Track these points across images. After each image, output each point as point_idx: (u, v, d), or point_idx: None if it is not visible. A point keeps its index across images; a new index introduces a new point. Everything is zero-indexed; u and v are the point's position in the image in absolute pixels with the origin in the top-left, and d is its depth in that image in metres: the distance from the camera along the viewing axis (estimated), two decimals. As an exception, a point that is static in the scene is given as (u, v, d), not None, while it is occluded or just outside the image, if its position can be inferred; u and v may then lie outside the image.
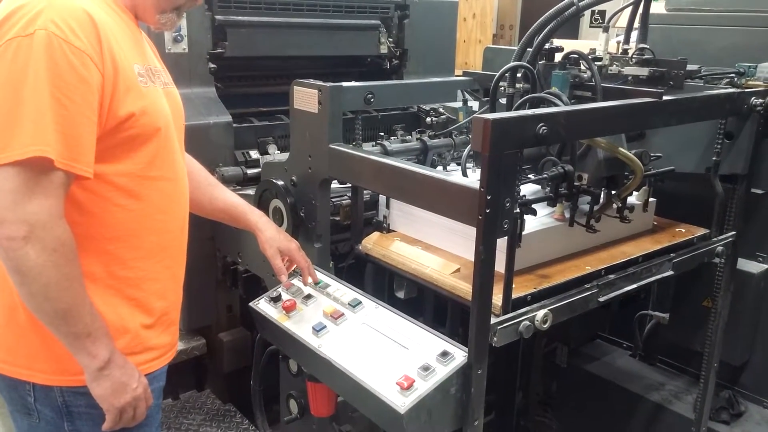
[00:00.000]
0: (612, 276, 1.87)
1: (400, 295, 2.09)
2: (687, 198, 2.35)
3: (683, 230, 2.23)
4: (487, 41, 8.09)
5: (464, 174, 1.93)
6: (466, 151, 1.95)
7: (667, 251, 2.08)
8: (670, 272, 2.03)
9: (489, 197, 1.42)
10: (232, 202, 1.90)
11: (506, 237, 1.53)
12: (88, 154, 1.34)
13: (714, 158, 2.17)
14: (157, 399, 1.61)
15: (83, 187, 1.39)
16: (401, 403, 1.49)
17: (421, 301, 2.24)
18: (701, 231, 2.23)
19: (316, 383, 1.96)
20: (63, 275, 1.32)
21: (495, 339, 1.58)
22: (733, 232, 2.26)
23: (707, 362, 2.48)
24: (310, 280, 1.92)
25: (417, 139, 2.33)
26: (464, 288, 1.75)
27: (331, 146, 1.93)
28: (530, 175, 1.94)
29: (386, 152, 2.20)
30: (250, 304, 1.99)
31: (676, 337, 3.01)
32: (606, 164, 1.87)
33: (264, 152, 2.72)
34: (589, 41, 5.23)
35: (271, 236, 1.89)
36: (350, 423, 2.11)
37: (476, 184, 1.47)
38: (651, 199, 2.15)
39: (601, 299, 1.82)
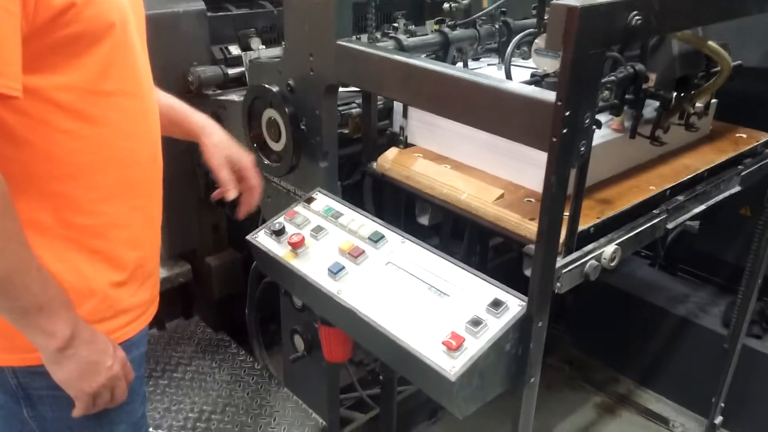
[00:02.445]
0: (681, 198, 1.58)
1: (424, 221, 1.78)
2: (745, 97, 2.02)
3: (744, 135, 1.93)
4: None
5: (508, 76, 1.57)
6: (512, 44, 1.57)
7: (733, 162, 1.79)
8: (737, 188, 1.75)
9: (567, 113, 1.09)
10: (170, 103, 1.48)
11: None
12: (11, 64, 0.94)
13: (789, 49, 1.83)
14: (139, 369, 1.30)
15: (13, 108, 1.00)
16: (450, 367, 1.21)
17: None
18: (764, 136, 1.93)
19: (331, 327, 1.68)
20: None
21: (558, 284, 1.30)
22: (799, 136, 1.97)
23: (750, 276, 2.25)
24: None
25: (435, 30, 1.93)
26: (511, 219, 1.44)
27: (339, 42, 1.54)
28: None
29: (401, 48, 1.81)
30: (248, 237, 1.67)
31: (705, 247, 2.80)
32: (681, 62, 1.52)
33: (246, 47, 2.29)
34: None
35: (219, 141, 1.49)
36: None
37: (547, 95, 1.13)
38: (713, 101, 1.83)
39: (670, 225, 1.54)
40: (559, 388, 2.84)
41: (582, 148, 1.16)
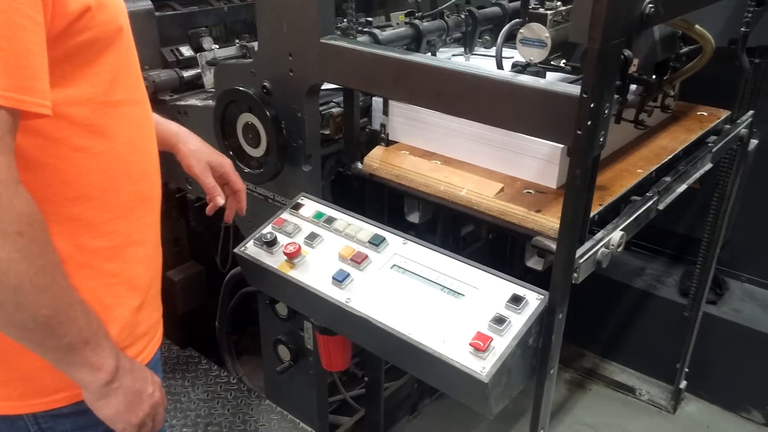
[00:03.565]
0: (668, 179, 1.62)
1: (414, 218, 1.75)
2: (700, 76, 2.10)
3: (705, 113, 2.00)
4: None
5: (499, 66, 1.55)
6: (502, 35, 1.55)
7: (702, 140, 1.85)
8: (710, 165, 1.81)
9: (592, 104, 1.08)
10: None
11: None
12: (41, 80, 0.85)
13: (742, 29, 1.90)
14: (160, 394, 1.23)
15: (27, 129, 0.90)
16: (481, 368, 1.19)
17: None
18: (723, 113, 2.01)
19: (330, 336, 1.63)
20: (38, 269, 0.88)
21: (576, 275, 1.30)
22: (752, 112, 2.07)
23: (708, 247, 2.36)
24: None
25: (405, 23, 1.89)
26: (517, 213, 1.43)
27: (324, 41, 1.48)
28: (562, 62, 1.61)
29: (377, 42, 1.76)
30: (235, 250, 1.58)
31: (656, 220, 2.89)
32: (662, 46, 1.55)
33: (198, 48, 2.17)
34: None
35: (197, 148, 1.44)
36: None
37: (571, 88, 1.12)
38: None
39: (660, 207, 1.58)
40: (527, 369, 2.89)
41: (602, 139, 1.16)
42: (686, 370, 2.58)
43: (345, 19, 1.74)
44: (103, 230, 1.05)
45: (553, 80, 1.42)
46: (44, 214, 0.95)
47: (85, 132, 0.98)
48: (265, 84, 1.64)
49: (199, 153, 1.45)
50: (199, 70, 2.11)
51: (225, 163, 1.50)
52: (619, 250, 1.39)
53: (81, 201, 1.01)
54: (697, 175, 1.74)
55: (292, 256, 1.49)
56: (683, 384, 2.62)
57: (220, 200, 1.47)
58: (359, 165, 1.70)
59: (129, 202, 1.09)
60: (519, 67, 1.59)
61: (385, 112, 1.73)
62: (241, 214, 1.56)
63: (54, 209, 0.98)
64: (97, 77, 0.98)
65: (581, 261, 1.29)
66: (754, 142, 2.21)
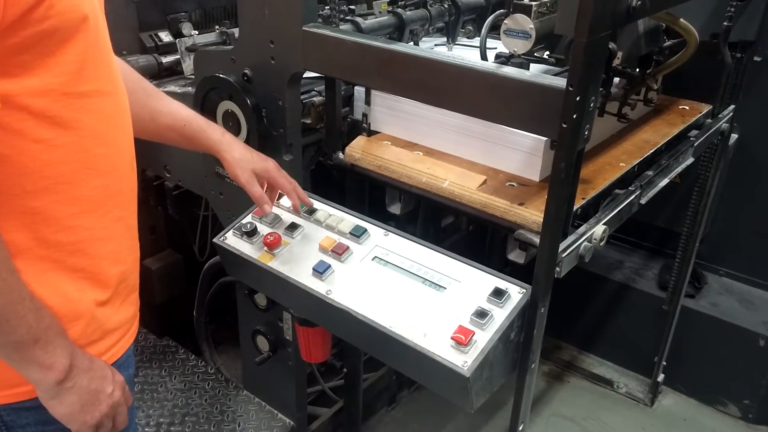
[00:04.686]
0: (650, 173, 1.62)
1: (395, 210, 1.74)
2: (684, 70, 2.11)
3: (687, 107, 2.01)
4: None
5: (483, 57, 1.54)
6: (486, 25, 1.53)
7: (683, 134, 1.86)
8: (691, 159, 1.82)
9: (578, 98, 1.07)
10: (183, 117, 1.39)
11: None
12: None
13: (725, 23, 1.91)
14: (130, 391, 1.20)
15: None
16: (462, 362, 1.19)
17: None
18: (705, 107, 2.01)
19: (310, 327, 1.61)
20: None
21: (558, 269, 1.29)
22: (733, 107, 2.07)
23: (687, 241, 2.37)
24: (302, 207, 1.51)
25: (389, 12, 1.87)
26: (499, 205, 1.42)
27: (306, 28, 1.45)
28: (546, 54, 1.60)
29: (360, 30, 1.73)
30: (215, 240, 1.56)
31: (635, 213, 2.91)
32: (646, 39, 1.55)
33: (177, 33, 2.13)
34: None
35: (242, 156, 1.43)
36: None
37: (557, 81, 1.11)
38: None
39: (643, 201, 1.58)
40: (506, 360, 2.90)
41: (586, 132, 1.15)
42: (664, 363, 2.60)
43: (327, 7, 1.71)
44: (66, 224, 1.02)
45: (537, 72, 1.41)
46: (1, 206, 0.93)
47: (46, 123, 0.94)
48: (246, 71, 1.61)
49: (243, 161, 1.43)
50: (178, 56, 2.07)
51: (270, 167, 1.46)
52: (602, 244, 1.39)
53: (41, 194, 0.97)
54: (679, 169, 1.74)
55: (272, 247, 1.47)
56: (661, 377, 2.64)
57: (268, 208, 1.45)
58: (341, 155, 1.68)
59: (95, 197, 1.05)
60: (503, 59, 1.58)
61: (367, 102, 1.70)
62: (305, 205, 1.52)
63: (12, 201, 0.95)
64: (60, 67, 0.94)
65: (564, 255, 1.29)
66: (734, 136, 2.23)
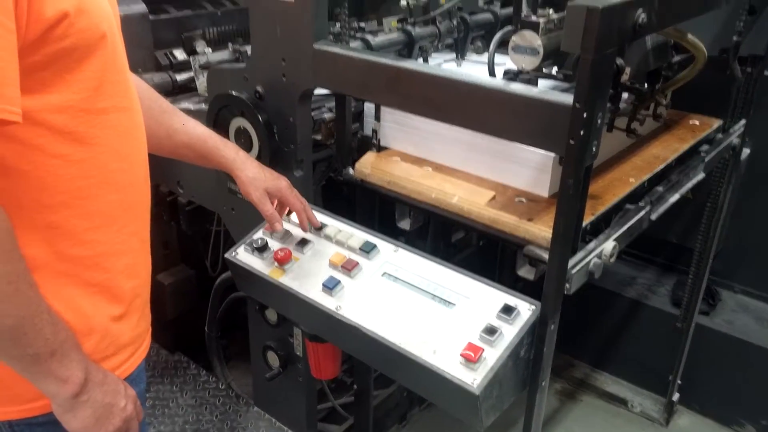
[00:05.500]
0: (660, 189, 1.62)
1: (405, 225, 1.74)
2: (691, 85, 2.10)
3: (697, 122, 2.00)
4: None
5: (491, 73, 1.54)
6: (495, 41, 1.54)
7: (694, 150, 1.85)
8: (702, 175, 1.81)
9: (585, 114, 1.07)
10: (199, 135, 1.42)
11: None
12: (11, 86, 0.84)
13: (735, 38, 1.91)
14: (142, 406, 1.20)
15: (3, 135, 0.90)
16: (472, 380, 1.18)
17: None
18: (715, 122, 2.01)
19: (320, 343, 1.61)
20: (1, 276, 0.87)
21: (568, 286, 1.29)
22: (744, 121, 2.07)
23: (701, 257, 2.36)
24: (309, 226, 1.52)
25: (399, 29, 1.88)
26: (509, 221, 1.42)
27: (317, 46, 1.47)
28: (554, 70, 1.60)
29: (369, 47, 1.75)
30: (226, 255, 1.57)
31: (648, 229, 2.89)
32: (654, 55, 1.55)
33: (191, 51, 2.16)
34: None
35: (255, 175, 1.44)
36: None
37: (564, 97, 1.11)
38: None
39: (653, 217, 1.57)
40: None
41: (594, 149, 1.15)
42: (679, 382, 2.57)
43: (338, 23, 1.73)
44: (83, 239, 1.04)
45: (545, 88, 1.42)
46: (20, 221, 0.94)
47: (65, 139, 0.97)
48: (258, 89, 1.63)
49: (256, 180, 1.45)
50: (192, 74, 2.10)
51: (282, 186, 1.48)
52: (612, 260, 1.38)
53: (59, 208, 1.00)
54: (690, 184, 1.73)
55: (282, 262, 1.48)
56: (676, 396, 2.61)
57: (279, 227, 1.47)
58: (350, 171, 1.69)
59: (111, 211, 1.07)
60: (511, 75, 1.59)
61: (377, 118, 1.72)
62: (314, 226, 1.53)
63: (31, 216, 0.97)
64: (80, 84, 0.96)
65: (573, 271, 1.28)
66: (746, 151, 2.22)
